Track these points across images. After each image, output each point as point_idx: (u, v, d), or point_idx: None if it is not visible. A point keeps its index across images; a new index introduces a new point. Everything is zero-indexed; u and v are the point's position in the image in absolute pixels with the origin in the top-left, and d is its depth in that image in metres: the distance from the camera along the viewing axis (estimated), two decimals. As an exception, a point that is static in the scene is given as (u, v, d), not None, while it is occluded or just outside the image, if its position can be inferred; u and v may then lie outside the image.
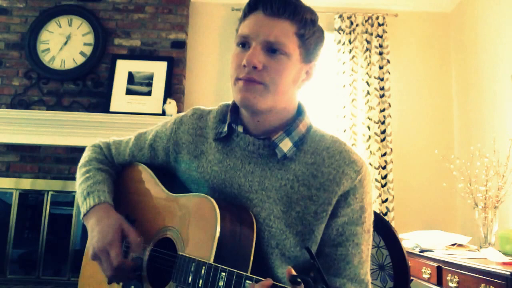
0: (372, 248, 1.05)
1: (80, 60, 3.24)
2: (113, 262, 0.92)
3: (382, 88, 3.23)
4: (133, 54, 3.27)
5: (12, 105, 3.14)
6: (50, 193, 3.10)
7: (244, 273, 0.74)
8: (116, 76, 3.19)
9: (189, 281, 0.83)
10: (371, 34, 3.31)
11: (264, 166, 0.95)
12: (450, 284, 1.99)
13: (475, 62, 3.09)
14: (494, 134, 2.62)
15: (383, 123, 3.18)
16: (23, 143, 3.08)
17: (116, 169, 1.18)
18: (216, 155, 1.00)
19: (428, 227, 2.91)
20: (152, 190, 1.07)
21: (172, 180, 1.08)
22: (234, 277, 0.75)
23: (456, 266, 1.98)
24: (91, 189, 1.06)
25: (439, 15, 3.48)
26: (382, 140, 3.16)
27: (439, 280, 2.12)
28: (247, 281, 0.73)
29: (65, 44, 3.27)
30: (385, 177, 3.12)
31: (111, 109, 3.10)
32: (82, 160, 1.17)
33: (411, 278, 2.32)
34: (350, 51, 3.28)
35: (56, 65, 3.23)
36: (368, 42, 3.29)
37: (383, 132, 3.17)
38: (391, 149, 3.16)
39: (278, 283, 0.70)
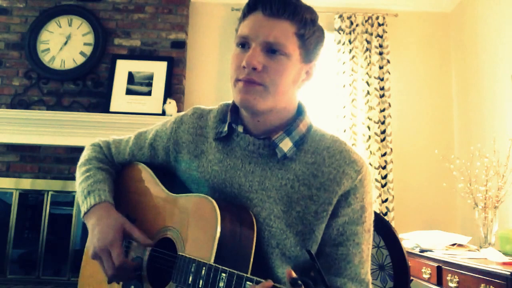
0: (372, 248, 1.05)
1: (80, 60, 3.24)
2: (114, 262, 0.92)
3: (382, 88, 3.23)
4: (133, 54, 3.27)
5: (12, 105, 3.14)
6: (50, 193, 3.10)
7: (245, 274, 0.74)
8: (116, 76, 3.19)
9: (189, 282, 0.83)
10: (371, 34, 3.31)
11: (265, 166, 0.95)
12: (450, 284, 1.99)
13: (475, 62, 3.09)
14: (494, 134, 2.62)
15: (383, 123, 3.18)
16: (23, 143, 3.08)
17: (116, 168, 1.18)
18: (216, 155, 1.00)
19: (428, 227, 2.91)
20: (152, 189, 1.07)
21: (172, 180, 1.07)
22: (235, 278, 0.75)
23: (456, 266, 1.98)
24: (91, 188, 1.06)
25: (439, 15, 3.48)
26: (382, 140, 3.16)
27: (439, 280, 2.12)
28: (248, 283, 0.72)
29: (65, 44, 3.27)
30: (385, 177, 3.12)
31: (111, 109, 3.11)
32: (82, 159, 1.17)
33: (411, 278, 2.32)
34: (350, 51, 3.28)
35: (56, 65, 3.23)
36: (368, 42, 3.29)
37: (383, 132, 3.17)
38: (391, 149, 3.16)
39: (278, 285, 0.70)
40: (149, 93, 3.17)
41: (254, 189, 0.94)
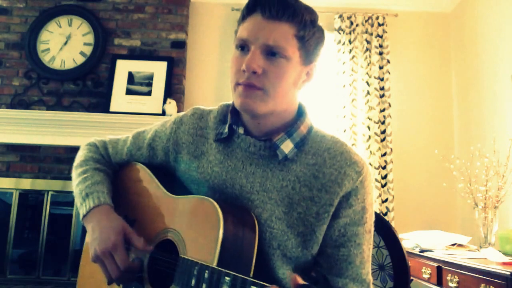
0: (372, 248, 1.05)
1: (80, 60, 3.24)
2: (119, 265, 0.92)
3: (382, 88, 3.23)
4: (133, 54, 3.27)
5: (12, 105, 3.14)
6: (50, 193, 3.10)
7: (249, 278, 0.73)
8: (116, 76, 3.19)
9: (192, 285, 0.82)
10: (371, 34, 3.31)
11: (265, 167, 0.95)
12: (450, 284, 1.99)
13: (475, 62, 3.09)
14: (494, 134, 2.62)
15: (383, 123, 3.18)
16: (23, 143, 3.09)
17: (113, 168, 1.17)
18: (217, 156, 0.99)
19: (428, 227, 2.92)
20: (151, 190, 1.06)
21: (172, 180, 1.07)
22: (239, 282, 0.73)
23: (456, 266, 1.98)
24: (89, 190, 1.04)
25: (439, 15, 3.48)
26: (382, 140, 3.16)
27: (439, 280, 2.12)
28: (252, 287, 0.71)
29: (65, 44, 3.27)
30: (385, 177, 3.12)
31: (111, 109, 3.11)
32: (78, 160, 1.15)
33: (411, 278, 2.32)
34: (350, 51, 3.28)
35: (56, 65, 3.23)
36: (368, 42, 3.29)
37: (383, 132, 3.17)
38: (391, 149, 3.16)
39: None
40: (149, 93, 3.17)
41: (255, 190, 0.94)
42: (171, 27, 3.31)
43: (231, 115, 1.00)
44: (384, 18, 3.33)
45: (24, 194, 3.12)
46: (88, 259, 1.11)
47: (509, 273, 1.63)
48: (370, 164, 3.12)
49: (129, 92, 3.17)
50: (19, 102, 3.16)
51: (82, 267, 1.16)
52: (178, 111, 3.04)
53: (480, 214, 2.39)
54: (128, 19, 3.32)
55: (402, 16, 3.40)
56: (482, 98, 2.98)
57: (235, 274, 0.75)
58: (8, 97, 3.18)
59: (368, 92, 3.22)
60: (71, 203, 3.10)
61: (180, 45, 3.29)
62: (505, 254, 2.05)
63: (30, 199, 3.13)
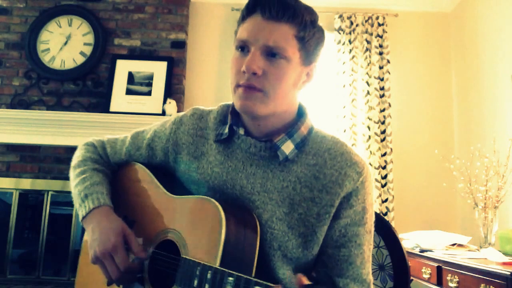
0: (372, 248, 1.05)
1: (80, 60, 3.24)
2: (119, 266, 0.92)
3: (382, 88, 3.23)
4: (133, 54, 3.27)
5: (12, 105, 3.14)
6: (50, 193, 3.10)
7: (253, 278, 0.72)
8: (116, 76, 3.19)
9: (194, 285, 0.82)
10: (371, 34, 3.31)
11: (266, 168, 0.95)
12: (450, 284, 1.99)
13: (475, 62, 3.09)
14: (494, 134, 2.62)
15: (383, 123, 3.18)
16: (23, 143, 3.09)
17: (111, 168, 1.16)
18: (217, 157, 0.99)
19: (428, 227, 2.91)
20: (151, 190, 1.06)
21: (171, 181, 1.06)
22: (242, 282, 0.73)
23: (456, 266, 1.98)
24: (89, 191, 1.04)
25: (439, 15, 3.48)
26: (382, 140, 3.16)
27: (439, 280, 2.12)
28: (256, 287, 0.71)
29: (65, 44, 3.27)
30: (385, 177, 3.12)
31: (111, 109, 3.11)
32: (76, 160, 1.14)
33: (411, 278, 2.32)
34: (350, 51, 3.28)
35: (56, 65, 3.23)
36: (368, 42, 3.29)
37: (383, 132, 3.17)
38: (391, 149, 3.16)
39: None
40: (149, 93, 3.17)
41: (256, 191, 0.94)
42: (171, 27, 3.31)
43: (232, 116, 0.99)
44: (384, 18, 3.33)
45: (24, 194, 3.12)
46: (86, 259, 1.10)
47: (509, 273, 1.63)
48: (370, 164, 3.12)
49: (129, 92, 3.17)
50: (19, 102, 3.16)
51: (80, 267, 1.15)
52: (178, 111, 3.04)
53: (480, 214, 2.39)
54: (128, 19, 3.32)
55: (402, 16, 3.40)
56: (482, 98, 2.98)
57: (239, 274, 0.74)
58: (8, 97, 3.18)
59: (368, 92, 3.22)
60: (71, 203, 3.06)
61: (180, 45, 3.29)
62: (505, 254, 2.05)
63: (30, 199, 3.13)
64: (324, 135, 0.99)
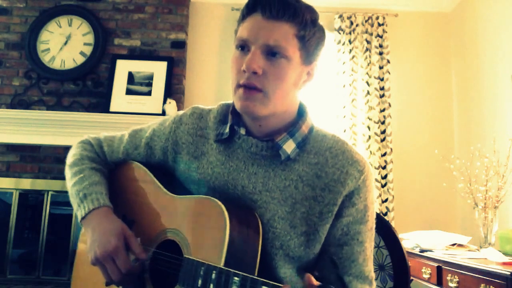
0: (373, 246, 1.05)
1: (80, 60, 3.24)
2: (120, 268, 0.91)
3: (382, 88, 3.23)
4: (133, 54, 3.27)
5: (12, 105, 3.14)
6: (50, 193, 3.10)
7: (260, 278, 0.72)
8: (116, 76, 3.19)
9: (198, 285, 0.81)
10: (371, 34, 3.31)
11: (267, 167, 0.95)
12: (450, 284, 1.99)
13: (475, 62, 3.09)
14: (494, 134, 2.62)
15: (383, 123, 3.18)
16: (23, 143, 3.08)
17: (108, 167, 1.15)
18: (218, 157, 0.99)
19: (428, 227, 2.91)
20: (151, 190, 1.05)
21: (170, 180, 1.06)
22: (248, 282, 0.72)
23: (456, 266, 1.98)
24: (88, 191, 1.02)
25: (439, 15, 3.48)
26: (382, 140, 3.16)
27: (439, 280, 2.12)
28: (263, 287, 0.70)
29: (65, 44, 3.27)
30: (385, 177, 3.12)
31: (111, 109, 3.11)
32: (72, 158, 1.12)
33: (411, 278, 2.32)
34: (350, 51, 3.28)
35: (56, 65, 3.23)
36: (368, 42, 3.29)
37: (383, 132, 3.17)
38: (391, 149, 3.16)
39: None
40: (149, 93, 3.17)
41: (258, 190, 0.94)
42: (171, 27, 3.31)
43: (232, 116, 0.99)
44: (384, 18, 3.33)
45: (24, 194, 3.12)
46: (83, 260, 1.10)
47: (509, 273, 1.63)
48: (370, 164, 3.12)
49: (129, 92, 3.17)
50: (19, 102, 3.16)
51: (76, 268, 1.13)
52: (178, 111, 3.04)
53: (480, 214, 2.39)
54: (128, 19, 3.32)
55: (402, 16, 3.40)
56: (482, 98, 2.98)
57: (245, 274, 0.73)
58: (8, 97, 3.18)
59: (368, 92, 3.22)
60: (71, 203, 3.09)
61: (180, 45, 3.29)
62: (505, 254, 2.05)
63: (30, 199, 3.13)
64: (325, 134, 0.99)
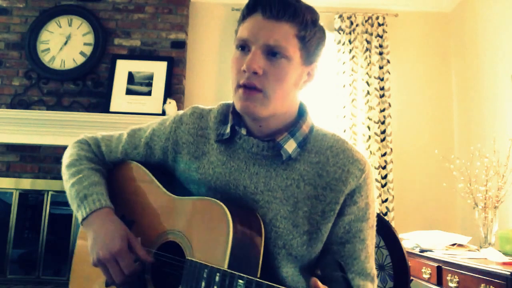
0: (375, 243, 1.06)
1: (80, 60, 3.24)
2: (124, 270, 0.91)
3: (382, 88, 3.23)
4: (133, 54, 3.26)
5: (12, 105, 3.14)
6: (50, 193, 3.10)
7: (265, 281, 0.71)
8: (116, 76, 3.19)
9: (202, 287, 0.81)
10: (371, 34, 3.31)
11: (269, 167, 0.95)
12: (450, 284, 1.99)
13: (475, 62, 3.09)
14: (494, 134, 2.62)
15: (383, 123, 3.18)
16: (23, 143, 3.09)
17: (107, 167, 1.14)
18: (219, 157, 0.99)
19: (428, 227, 2.91)
20: (151, 190, 1.04)
21: (170, 180, 1.05)
22: (254, 285, 0.72)
23: (456, 266, 1.98)
24: (88, 192, 1.01)
25: (439, 15, 3.48)
26: (382, 140, 3.16)
27: (439, 280, 2.12)
28: None
29: (65, 44, 3.27)
30: (385, 177, 3.12)
31: (111, 109, 3.11)
32: (70, 158, 1.11)
33: (411, 278, 2.32)
34: (350, 51, 3.28)
35: (56, 65, 3.23)
36: (368, 42, 3.29)
37: (383, 132, 3.17)
38: (391, 149, 3.16)
39: None
40: (149, 93, 3.17)
41: (260, 190, 0.94)
42: (171, 27, 3.31)
43: (233, 116, 0.99)
44: (384, 18, 3.33)
45: (24, 194, 3.12)
46: (81, 260, 1.09)
47: (509, 273, 1.63)
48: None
49: (129, 92, 3.17)
50: (19, 102, 3.16)
51: (74, 268, 1.12)
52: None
53: (480, 214, 2.39)
54: (128, 19, 3.32)
55: (402, 16, 3.40)
56: (482, 98, 2.98)
57: (249, 277, 0.73)
58: (8, 97, 3.18)
59: (368, 92, 3.22)
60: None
61: (180, 45, 3.29)
62: (505, 254, 2.05)
63: (30, 199, 3.13)
64: (325, 133, 0.99)
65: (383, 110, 3.20)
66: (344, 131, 3.17)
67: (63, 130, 3.01)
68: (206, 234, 0.86)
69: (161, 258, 0.95)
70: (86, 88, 3.21)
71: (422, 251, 2.33)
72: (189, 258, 0.87)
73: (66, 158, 1.13)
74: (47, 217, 3.07)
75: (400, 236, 1.27)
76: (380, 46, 3.29)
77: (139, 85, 3.19)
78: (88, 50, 3.25)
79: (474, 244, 2.44)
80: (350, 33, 3.31)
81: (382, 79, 3.24)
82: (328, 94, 3.35)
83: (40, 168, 3.11)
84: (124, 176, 1.11)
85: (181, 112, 1.09)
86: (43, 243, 3.04)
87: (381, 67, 3.26)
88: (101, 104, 3.15)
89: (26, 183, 3.09)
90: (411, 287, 1.78)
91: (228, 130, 0.98)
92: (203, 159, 1.00)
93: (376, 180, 3.10)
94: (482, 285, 1.77)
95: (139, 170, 1.08)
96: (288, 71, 0.90)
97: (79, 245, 1.13)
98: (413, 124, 3.34)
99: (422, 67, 3.42)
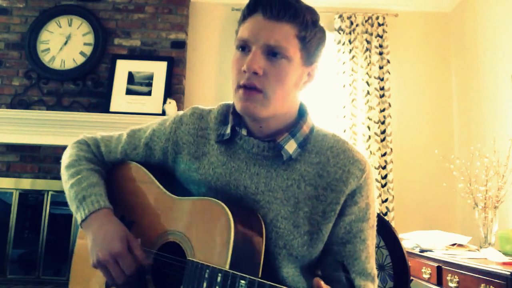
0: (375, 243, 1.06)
1: (80, 60, 3.24)
2: (125, 272, 0.91)
3: (382, 88, 3.23)
4: (133, 54, 3.26)
5: (12, 105, 3.14)
6: (50, 193, 3.10)
7: (267, 282, 0.71)
8: (116, 76, 3.19)
9: None
10: (371, 34, 3.31)
11: (269, 167, 0.95)
12: (450, 284, 1.99)
13: (475, 62, 3.09)
14: (494, 134, 2.62)
15: (383, 123, 3.18)
16: (23, 143, 3.09)
17: (106, 167, 1.13)
18: (219, 157, 0.98)
19: (428, 227, 2.91)
20: (151, 190, 1.04)
21: (170, 180, 1.05)
22: (256, 286, 0.71)
23: (456, 266, 1.98)
24: (86, 193, 1.01)
25: (439, 15, 3.48)
26: (382, 140, 3.16)
27: (439, 280, 2.12)
28: None
29: (65, 44, 3.27)
30: (385, 177, 3.12)
31: (111, 109, 3.11)
32: (69, 159, 1.11)
33: (411, 278, 2.32)
34: (350, 51, 3.28)
35: (56, 65, 3.23)
36: (368, 42, 3.29)
37: (383, 132, 3.17)
38: (391, 149, 3.16)
39: None
40: (149, 93, 3.17)
41: (261, 190, 0.94)
42: (171, 27, 3.31)
43: (233, 117, 0.99)
44: (384, 18, 3.33)
45: (24, 194, 3.12)
46: (81, 260, 1.09)
47: (509, 273, 1.63)
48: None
49: (129, 92, 3.17)
50: (19, 102, 3.16)
51: (74, 268, 1.12)
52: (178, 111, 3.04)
53: (480, 214, 2.39)
54: (128, 19, 3.32)
55: (402, 16, 3.40)
56: (482, 98, 2.98)
57: (251, 277, 0.73)
58: (8, 97, 3.18)
59: (368, 92, 3.22)
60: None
61: (180, 45, 3.29)
62: (505, 254, 2.05)
63: (30, 199, 3.13)
64: (325, 133, 0.99)
65: (383, 110, 3.20)
66: (344, 131, 3.17)
67: (63, 130, 3.01)
68: (207, 234, 0.86)
69: (161, 258, 0.95)
70: (86, 88, 3.21)
71: (422, 251, 2.33)
72: (190, 258, 0.86)
73: (65, 159, 1.13)
74: (47, 217, 3.07)
75: (400, 236, 1.27)
76: (380, 46, 3.29)
77: (139, 85, 3.19)
78: (88, 50, 3.25)
79: (474, 244, 2.44)
80: (350, 33, 3.31)
81: (382, 79, 3.24)
82: (328, 94, 3.35)
83: (40, 168, 3.11)
84: (124, 177, 1.11)
85: (181, 112, 1.09)
86: (43, 243, 3.04)
87: (381, 67, 3.26)
88: (101, 104, 3.15)
89: (26, 183, 3.09)
90: (411, 287, 1.78)
91: (228, 130, 0.98)
92: (203, 159, 1.00)
93: (376, 180, 3.10)
94: (482, 285, 1.77)
95: (139, 170, 1.08)
96: (288, 72, 0.90)
97: (79, 245, 1.12)
98: (413, 124, 3.34)
99: (422, 67, 3.42)
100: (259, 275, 0.82)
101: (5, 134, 3.05)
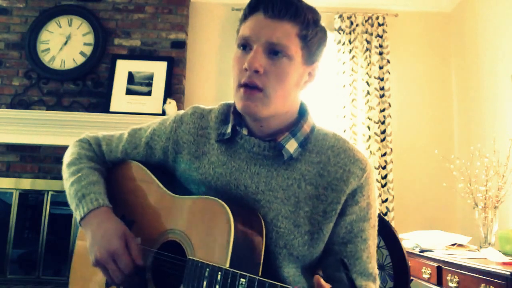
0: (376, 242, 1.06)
1: (80, 60, 3.24)
2: (123, 270, 0.91)
3: (382, 88, 3.23)
4: (133, 54, 3.27)
5: (12, 105, 3.14)
6: (50, 193, 3.10)
7: (267, 280, 0.71)
8: (116, 76, 3.19)
9: (204, 287, 0.80)
10: (371, 34, 3.31)
11: (270, 167, 0.95)
12: (450, 284, 1.99)
13: (475, 62, 3.09)
14: (494, 134, 2.62)
15: (383, 123, 3.18)
16: (23, 143, 3.08)
17: (106, 166, 1.13)
18: (220, 157, 0.98)
19: (428, 227, 2.91)
20: (151, 189, 1.04)
21: (170, 180, 1.05)
22: (256, 284, 0.72)
23: (456, 266, 1.98)
24: (86, 191, 1.01)
25: (439, 15, 3.48)
26: (382, 140, 3.16)
27: (439, 280, 2.12)
28: None
29: (65, 44, 3.27)
30: (385, 177, 3.12)
31: (111, 109, 3.11)
32: (70, 157, 1.11)
33: (411, 278, 2.32)
34: (350, 51, 3.28)
35: (56, 65, 3.23)
36: (368, 42, 3.29)
37: (383, 132, 3.17)
38: (391, 149, 3.16)
39: None
40: (149, 93, 3.17)
41: (261, 190, 0.94)
42: (171, 27, 3.31)
43: (234, 116, 0.99)
44: (384, 18, 3.33)
45: (24, 194, 3.12)
46: (81, 260, 1.09)
47: (509, 273, 1.63)
48: (370, 164, 3.12)
49: (129, 92, 3.17)
50: (19, 102, 3.16)
51: (74, 268, 1.12)
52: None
53: (480, 214, 2.39)
54: (128, 19, 3.32)
55: (402, 16, 3.40)
56: (482, 98, 2.98)
57: (251, 275, 0.73)
58: (8, 97, 3.18)
59: (368, 92, 3.22)
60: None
61: (180, 45, 3.29)
62: (505, 254, 2.05)
63: (30, 199, 3.13)
64: (326, 133, 0.99)
65: (383, 110, 3.20)
66: (344, 131, 3.17)
67: (63, 130, 3.01)
68: (207, 233, 0.86)
69: (162, 257, 0.95)
70: (86, 88, 3.21)
71: (422, 251, 2.33)
72: (190, 257, 0.87)
73: (67, 157, 1.14)
74: (47, 217, 3.07)
75: (400, 236, 1.27)
76: (380, 46, 3.29)
77: (139, 85, 3.19)
78: (88, 50, 3.25)
79: (474, 244, 2.44)
80: (350, 33, 3.31)
81: (382, 79, 3.24)
82: (328, 94, 3.35)
83: (40, 168, 3.11)
84: (123, 176, 1.11)
85: (181, 112, 1.09)
86: (43, 243, 3.04)
87: (381, 67, 3.26)
88: (101, 104, 3.15)
89: (26, 183, 3.09)
90: (411, 287, 1.78)
91: (229, 130, 0.98)
92: (203, 159, 1.00)
93: (376, 180, 3.10)
94: (482, 285, 1.77)
95: (139, 169, 1.08)
96: (289, 71, 0.90)
97: (79, 245, 1.12)
98: (413, 124, 3.34)
99: (422, 67, 3.42)
100: (259, 275, 0.82)
101: (5, 134, 3.05)
